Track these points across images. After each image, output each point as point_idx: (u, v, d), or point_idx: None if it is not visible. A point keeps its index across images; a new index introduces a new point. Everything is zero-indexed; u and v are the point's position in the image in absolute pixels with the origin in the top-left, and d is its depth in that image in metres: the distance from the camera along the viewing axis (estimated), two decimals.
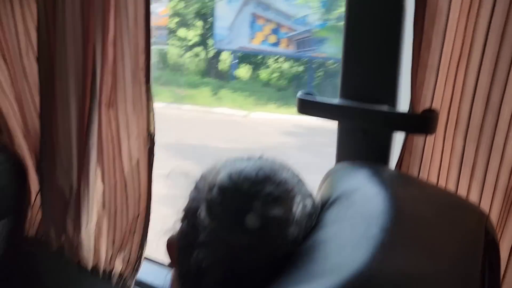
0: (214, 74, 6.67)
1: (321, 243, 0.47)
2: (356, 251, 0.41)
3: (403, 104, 0.69)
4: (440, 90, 0.65)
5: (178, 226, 0.58)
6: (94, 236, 1.14)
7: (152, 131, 0.98)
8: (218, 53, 6.67)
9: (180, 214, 0.58)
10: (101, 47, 0.90)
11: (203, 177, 0.56)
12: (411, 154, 0.70)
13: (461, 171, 0.67)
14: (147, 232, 1.09)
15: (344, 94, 0.71)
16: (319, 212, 0.53)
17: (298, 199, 0.50)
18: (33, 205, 1.24)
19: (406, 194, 0.51)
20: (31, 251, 1.27)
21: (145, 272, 1.14)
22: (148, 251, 1.12)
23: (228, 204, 0.48)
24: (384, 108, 0.67)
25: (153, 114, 0.96)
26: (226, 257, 0.48)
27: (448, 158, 0.68)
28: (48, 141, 1.03)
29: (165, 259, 0.60)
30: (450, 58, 0.62)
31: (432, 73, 0.63)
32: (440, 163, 0.69)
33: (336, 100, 0.71)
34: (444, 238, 0.46)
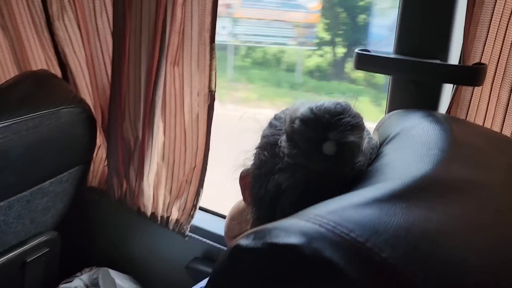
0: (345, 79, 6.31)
1: (384, 165, 0.54)
2: (418, 164, 0.48)
3: (453, 58, 0.76)
4: (490, 45, 0.71)
5: (249, 161, 0.67)
6: (153, 185, 1.25)
7: (213, 88, 1.07)
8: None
9: (253, 151, 0.67)
10: (172, 9, 0.99)
11: (278, 117, 0.65)
12: (458, 105, 0.77)
13: (505, 122, 0.74)
14: (202, 183, 1.19)
15: (399, 49, 0.79)
16: (378, 147, 0.62)
17: (366, 132, 0.58)
18: (95, 159, 1.36)
19: (460, 128, 0.59)
20: (94, 199, 1.40)
21: (199, 220, 1.26)
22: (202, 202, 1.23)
23: (309, 133, 0.54)
24: (436, 62, 0.74)
25: (215, 73, 1.05)
26: (302, 180, 0.55)
27: (493, 109, 0.75)
28: (118, 96, 1.14)
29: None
30: (501, 15, 0.69)
31: (484, 29, 0.70)
32: (485, 114, 0.76)
33: (391, 55, 0.79)
34: (495, 161, 0.53)
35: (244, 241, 0.39)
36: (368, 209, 0.39)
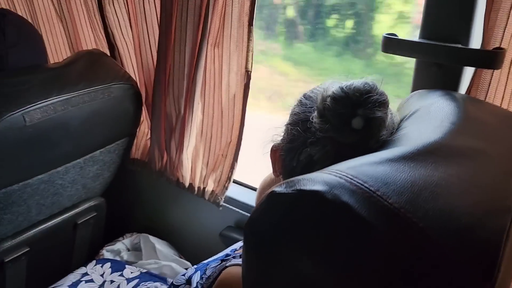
0: None
1: (402, 136, 0.61)
2: (430, 134, 0.55)
3: (474, 43, 0.81)
4: (509, 31, 0.76)
5: (278, 137, 0.75)
6: (192, 158, 1.36)
7: (249, 68, 1.15)
8: None
9: (283, 127, 0.74)
10: None
11: (307, 96, 0.72)
12: (478, 87, 0.83)
13: None
14: (237, 157, 1.28)
15: (423, 34, 0.85)
16: (399, 122, 0.69)
17: (389, 109, 0.65)
18: (138, 133, 1.48)
19: (474, 107, 0.66)
20: (136, 170, 1.52)
21: (232, 191, 1.36)
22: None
23: (340, 110, 0.61)
24: (458, 46, 0.80)
25: (252, 54, 1.13)
26: (333, 152, 0.62)
27: (510, 91, 0.80)
28: (162, 75, 1.25)
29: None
30: None
31: (504, 16, 0.75)
32: (502, 95, 0.81)
33: (416, 39, 0.85)
34: (502, 136, 0.60)
35: (277, 188, 0.48)
36: (380, 166, 0.47)
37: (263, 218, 0.49)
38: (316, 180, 0.46)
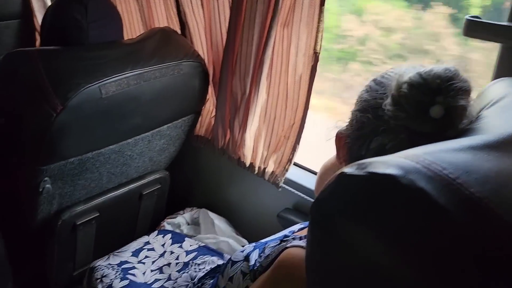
0: None
1: (483, 124, 0.57)
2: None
3: None
4: None
5: (341, 123, 0.72)
6: (254, 138, 1.37)
7: (317, 50, 1.13)
8: None
9: (350, 114, 0.72)
10: None
11: (378, 82, 0.69)
12: None
13: None
14: (299, 139, 1.27)
15: None
16: (480, 110, 0.64)
17: (472, 96, 0.61)
18: (203, 110, 1.51)
19: None
20: (199, 147, 1.56)
21: (292, 173, 1.36)
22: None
23: (418, 97, 0.57)
24: None
25: (321, 35, 1.11)
26: (407, 141, 0.58)
27: None
28: (231, 54, 1.26)
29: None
30: None
31: None
32: None
33: (503, 22, 0.79)
34: None
35: (348, 170, 0.47)
36: (462, 153, 0.45)
37: (332, 199, 0.48)
38: (390, 164, 0.44)
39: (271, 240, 0.88)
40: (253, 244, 0.91)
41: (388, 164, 0.44)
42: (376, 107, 0.64)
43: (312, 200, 1.24)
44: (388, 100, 0.61)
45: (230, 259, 0.92)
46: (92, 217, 1.28)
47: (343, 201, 0.46)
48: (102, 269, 1.22)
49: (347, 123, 0.71)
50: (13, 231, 1.25)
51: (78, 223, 1.26)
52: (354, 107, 0.70)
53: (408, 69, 0.63)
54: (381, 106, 0.62)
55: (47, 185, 1.10)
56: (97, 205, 1.29)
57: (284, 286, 0.70)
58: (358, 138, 0.66)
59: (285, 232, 0.92)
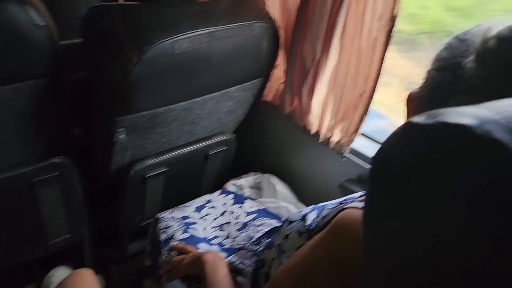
0: None
1: None
2: None
3: None
4: None
5: (414, 85, 0.68)
6: (321, 106, 1.34)
7: (395, 14, 1.07)
8: None
9: (424, 74, 0.67)
10: None
11: (460, 38, 0.63)
12: None
13: None
14: (367, 109, 1.23)
15: None
16: None
17: None
18: (272, 76, 1.50)
19: None
20: (267, 112, 1.57)
21: (357, 143, 1.32)
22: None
23: (507, 53, 0.52)
24: None
25: None
26: None
27: None
28: (304, 17, 1.23)
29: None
30: None
31: None
32: None
33: None
34: None
35: (416, 118, 0.44)
36: None
37: (396, 148, 0.45)
38: (464, 113, 0.41)
39: (331, 203, 0.87)
40: (312, 206, 0.90)
41: (462, 114, 0.41)
42: (455, 65, 0.58)
43: None
44: (471, 57, 0.56)
45: (286, 219, 0.92)
46: (161, 171, 1.35)
47: (408, 151, 0.43)
48: (166, 221, 1.28)
49: (421, 84, 0.67)
50: (90, 181, 1.35)
51: (148, 175, 1.32)
52: (429, 66, 0.66)
53: (498, 23, 0.57)
54: (461, 64, 0.57)
55: (122, 136, 1.16)
56: (166, 160, 1.35)
57: (338, 246, 0.69)
58: (432, 100, 0.61)
59: (346, 197, 0.90)
